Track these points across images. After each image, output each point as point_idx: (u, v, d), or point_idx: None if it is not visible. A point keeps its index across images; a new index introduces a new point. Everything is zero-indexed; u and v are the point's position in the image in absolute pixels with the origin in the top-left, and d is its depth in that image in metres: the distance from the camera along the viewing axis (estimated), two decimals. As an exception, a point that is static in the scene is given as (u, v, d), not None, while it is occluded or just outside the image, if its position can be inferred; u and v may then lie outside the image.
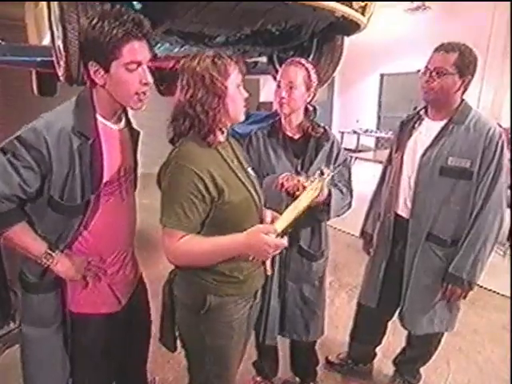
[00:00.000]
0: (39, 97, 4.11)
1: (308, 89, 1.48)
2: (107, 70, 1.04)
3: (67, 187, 1.08)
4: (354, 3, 1.78)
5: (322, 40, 2.34)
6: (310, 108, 1.56)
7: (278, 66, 2.61)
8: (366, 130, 8.59)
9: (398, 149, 1.66)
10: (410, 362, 1.90)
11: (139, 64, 1.06)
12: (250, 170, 1.26)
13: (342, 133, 9.06)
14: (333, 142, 1.56)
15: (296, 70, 1.46)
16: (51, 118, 1.07)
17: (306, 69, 1.47)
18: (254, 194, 1.18)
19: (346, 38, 2.38)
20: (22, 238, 1.09)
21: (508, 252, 3.61)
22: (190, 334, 1.23)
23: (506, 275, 3.13)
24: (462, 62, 1.42)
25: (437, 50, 1.47)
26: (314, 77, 1.48)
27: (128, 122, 1.27)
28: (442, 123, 1.53)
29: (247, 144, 1.59)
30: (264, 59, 2.88)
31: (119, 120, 1.21)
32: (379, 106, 8.74)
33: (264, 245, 1.00)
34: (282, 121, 1.55)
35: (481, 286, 2.99)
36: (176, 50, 2.31)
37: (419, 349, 1.82)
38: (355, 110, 9.01)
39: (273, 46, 2.41)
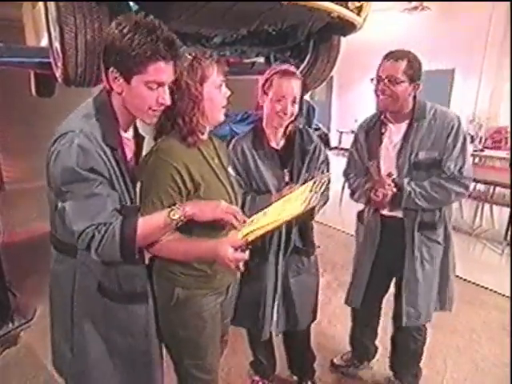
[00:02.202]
0: (38, 97, 4.12)
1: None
2: (128, 82, 1.01)
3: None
4: (350, 4, 1.80)
5: (319, 40, 2.36)
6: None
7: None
8: (365, 130, 8.58)
9: (371, 157, 1.66)
10: (404, 362, 1.90)
11: (161, 84, 1.03)
12: (230, 169, 1.30)
13: (341, 132, 9.07)
14: (316, 145, 1.55)
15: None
16: (84, 129, 1.00)
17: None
18: (231, 192, 1.22)
19: (343, 38, 2.40)
20: (143, 226, 1.05)
21: (505, 250, 3.63)
22: (164, 326, 1.26)
23: (504, 274, 3.14)
24: (411, 69, 1.47)
25: (386, 57, 1.52)
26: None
27: (135, 129, 1.24)
28: (405, 124, 1.58)
29: (232, 156, 1.49)
30: (261, 59, 2.89)
31: (130, 129, 1.19)
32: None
33: (225, 257, 1.05)
34: (266, 130, 1.53)
35: (478, 285, 3.01)
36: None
37: (407, 346, 1.82)
38: (354, 110, 8.99)
39: (270, 47, 2.42)
